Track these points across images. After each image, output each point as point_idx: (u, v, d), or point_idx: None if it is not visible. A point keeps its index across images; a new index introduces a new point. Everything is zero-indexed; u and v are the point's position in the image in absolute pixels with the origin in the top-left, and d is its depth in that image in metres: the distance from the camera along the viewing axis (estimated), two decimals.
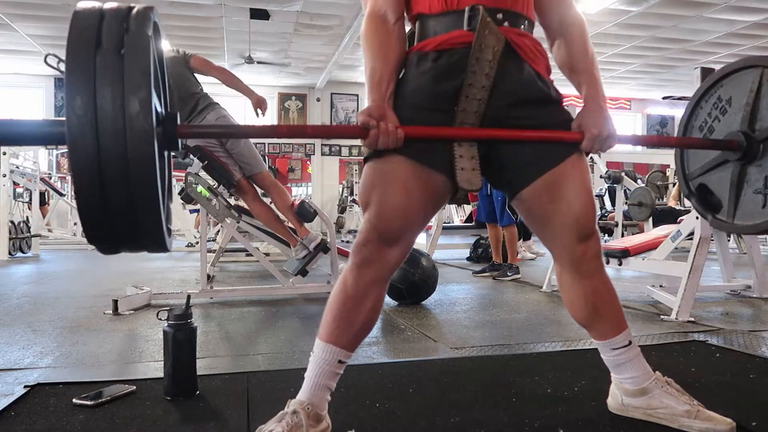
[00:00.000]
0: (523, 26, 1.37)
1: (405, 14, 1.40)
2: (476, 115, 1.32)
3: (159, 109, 1.12)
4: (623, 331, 1.47)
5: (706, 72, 2.95)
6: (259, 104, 3.70)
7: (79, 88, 0.92)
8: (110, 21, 0.99)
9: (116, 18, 1.00)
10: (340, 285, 1.39)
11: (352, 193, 12.20)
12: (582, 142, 1.35)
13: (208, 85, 3.75)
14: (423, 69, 1.34)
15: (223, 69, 3.76)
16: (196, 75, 3.72)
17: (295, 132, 1.38)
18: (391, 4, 1.36)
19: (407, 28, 1.44)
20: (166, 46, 3.75)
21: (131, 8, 1.04)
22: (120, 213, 0.96)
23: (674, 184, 8.67)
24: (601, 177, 6.09)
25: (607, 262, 3.54)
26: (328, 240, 3.72)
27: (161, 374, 1.73)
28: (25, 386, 1.77)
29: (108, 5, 1.03)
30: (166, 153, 1.22)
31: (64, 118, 0.94)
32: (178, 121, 1.15)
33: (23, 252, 7.04)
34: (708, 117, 1.59)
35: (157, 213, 0.97)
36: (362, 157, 1.43)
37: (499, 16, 1.33)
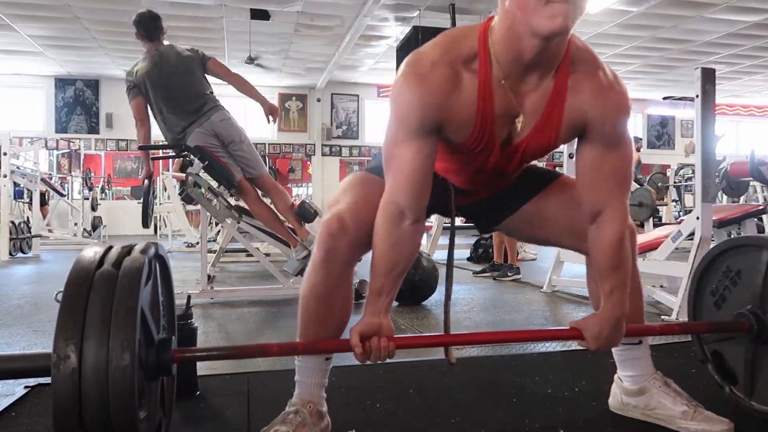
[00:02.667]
0: None
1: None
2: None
3: (155, 336, 1.16)
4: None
5: (706, 72, 2.95)
6: (271, 111, 3.75)
7: (67, 330, 0.98)
8: (107, 264, 1.06)
9: (113, 260, 1.07)
10: (308, 283, 1.37)
11: None
12: (582, 338, 1.33)
13: (211, 85, 3.76)
14: None
15: (238, 75, 3.78)
16: (207, 77, 3.73)
17: (285, 350, 1.39)
18: (412, 204, 1.25)
19: None
20: (181, 45, 3.78)
21: (130, 249, 1.10)
22: None
23: (674, 185, 8.67)
24: None
25: None
26: None
27: None
28: (26, 386, 1.77)
29: (110, 251, 1.10)
30: (163, 378, 1.25)
31: (50, 351, 0.98)
32: (173, 345, 1.20)
33: (24, 252, 7.04)
34: (719, 284, 1.57)
35: None
36: (363, 164, 1.46)
37: None
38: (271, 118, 3.73)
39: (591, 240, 1.34)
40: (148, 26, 3.69)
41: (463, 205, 1.49)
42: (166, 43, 3.77)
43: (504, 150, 1.28)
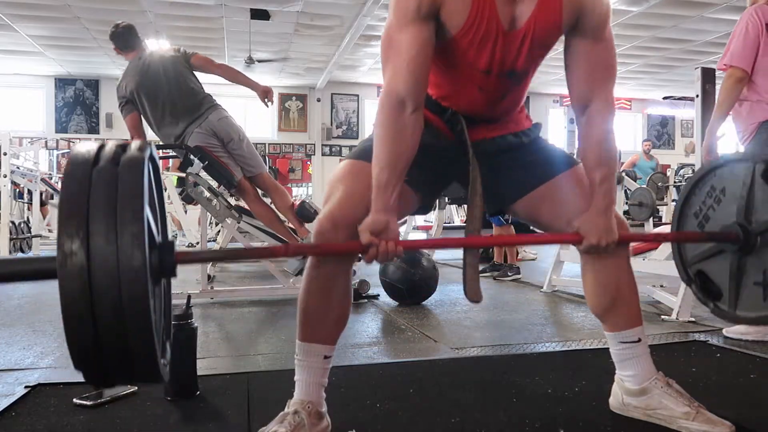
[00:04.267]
0: (500, 121, 1.49)
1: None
2: (480, 206, 1.44)
3: (157, 238, 1.15)
4: (635, 327, 1.48)
5: (706, 72, 2.95)
6: (266, 94, 3.71)
7: (71, 227, 0.94)
8: (104, 161, 1.02)
9: (110, 157, 1.02)
10: (305, 283, 1.39)
11: None
12: (581, 242, 1.39)
13: (209, 85, 3.75)
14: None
15: (224, 65, 3.76)
16: (196, 75, 3.72)
17: (294, 250, 1.39)
18: (411, 91, 1.28)
19: None
20: (166, 46, 3.76)
21: (125, 147, 1.06)
22: (112, 348, 0.96)
23: (674, 185, 8.66)
24: None
25: None
26: None
27: None
28: (26, 386, 1.77)
29: (104, 148, 1.06)
30: (164, 280, 1.24)
31: (54, 255, 0.95)
32: (176, 249, 1.18)
33: (23, 252, 7.03)
34: (703, 205, 1.59)
35: (151, 347, 0.98)
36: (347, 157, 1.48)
37: (477, 120, 1.46)
38: (267, 101, 3.71)
39: (582, 134, 1.42)
40: (125, 37, 3.66)
41: (479, 143, 1.46)
42: (147, 50, 3.76)
43: (509, 35, 1.30)
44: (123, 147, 1.06)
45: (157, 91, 3.55)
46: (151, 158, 1.14)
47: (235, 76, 3.74)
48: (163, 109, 3.55)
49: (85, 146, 1.05)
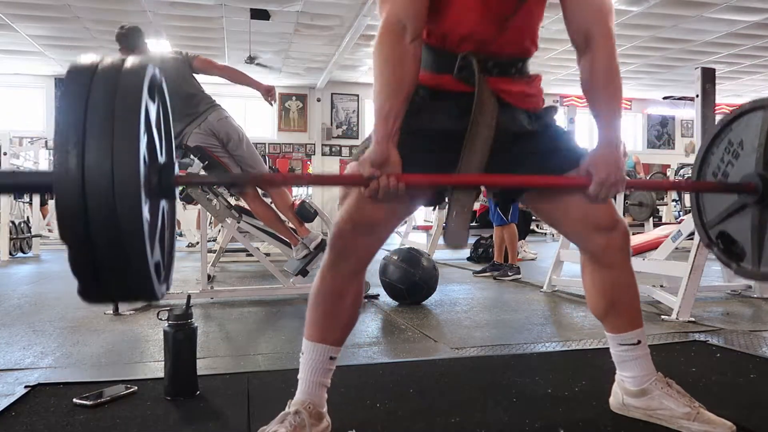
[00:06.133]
0: (514, 69, 1.38)
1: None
2: (482, 153, 1.32)
3: (160, 158, 1.13)
4: (635, 329, 1.47)
5: (706, 72, 2.95)
6: (269, 92, 3.71)
7: (67, 140, 0.93)
8: (102, 75, 1.00)
9: (109, 72, 1.01)
10: (318, 283, 1.39)
11: None
12: (589, 186, 1.33)
13: (208, 85, 3.75)
14: (422, 104, 1.34)
15: (226, 67, 3.78)
16: (196, 77, 3.72)
17: (292, 179, 1.37)
18: (411, 15, 1.25)
19: None
20: (167, 48, 3.77)
21: (124, 61, 1.05)
22: (108, 263, 0.96)
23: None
24: None
25: None
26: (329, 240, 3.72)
27: (162, 374, 1.73)
28: (26, 386, 1.77)
29: (103, 62, 1.04)
30: (163, 201, 1.23)
31: (51, 170, 0.95)
32: (176, 170, 1.17)
33: (24, 252, 7.04)
34: (721, 162, 1.55)
35: (144, 264, 0.98)
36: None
37: (490, 64, 1.34)
38: (270, 100, 3.72)
39: (584, 68, 1.36)
40: (131, 38, 3.68)
41: (502, 105, 1.36)
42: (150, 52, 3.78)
43: None
44: (123, 60, 1.05)
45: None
46: (158, 78, 1.13)
47: (237, 77, 3.75)
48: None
49: (90, 57, 1.04)
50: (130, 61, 1.05)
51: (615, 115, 1.36)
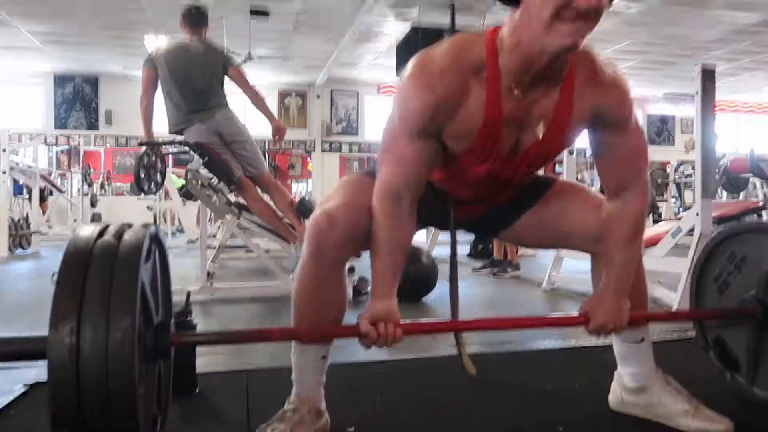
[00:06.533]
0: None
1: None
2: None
3: (155, 319, 1.15)
4: (640, 326, 1.47)
5: (706, 70, 2.95)
6: (278, 131, 3.78)
7: (64, 312, 0.95)
8: (102, 247, 1.03)
9: (108, 244, 1.04)
10: (298, 281, 1.38)
11: None
12: (588, 325, 1.38)
13: None
14: None
15: (255, 90, 3.80)
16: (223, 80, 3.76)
17: (287, 335, 1.41)
18: (410, 189, 1.26)
19: None
20: (216, 42, 3.88)
21: (123, 232, 1.07)
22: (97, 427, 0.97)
23: (674, 181, 8.67)
24: None
25: None
26: None
27: None
28: (25, 385, 1.77)
29: (104, 234, 1.07)
30: (160, 361, 1.24)
31: (46, 334, 0.95)
32: (172, 329, 1.19)
33: (23, 248, 7.03)
34: (723, 270, 1.56)
35: None
36: (363, 160, 1.46)
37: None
38: (277, 138, 3.79)
39: (612, 212, 1.35)
40: (196, 18, 3.97)
41: (463, 219, 1.48)
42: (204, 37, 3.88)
43: (509, 158, 1.28)
44: (129, 225, 1.09)
45: (185, 73, 3.61)
46: (155, 237, 1.16)
47: (259, 103, 3.80)
48: (181, 89, 3.59)
49: (90, 227, 1.08)
50: (132, 229, 1.09)
51: (628, 267, 1.36)
